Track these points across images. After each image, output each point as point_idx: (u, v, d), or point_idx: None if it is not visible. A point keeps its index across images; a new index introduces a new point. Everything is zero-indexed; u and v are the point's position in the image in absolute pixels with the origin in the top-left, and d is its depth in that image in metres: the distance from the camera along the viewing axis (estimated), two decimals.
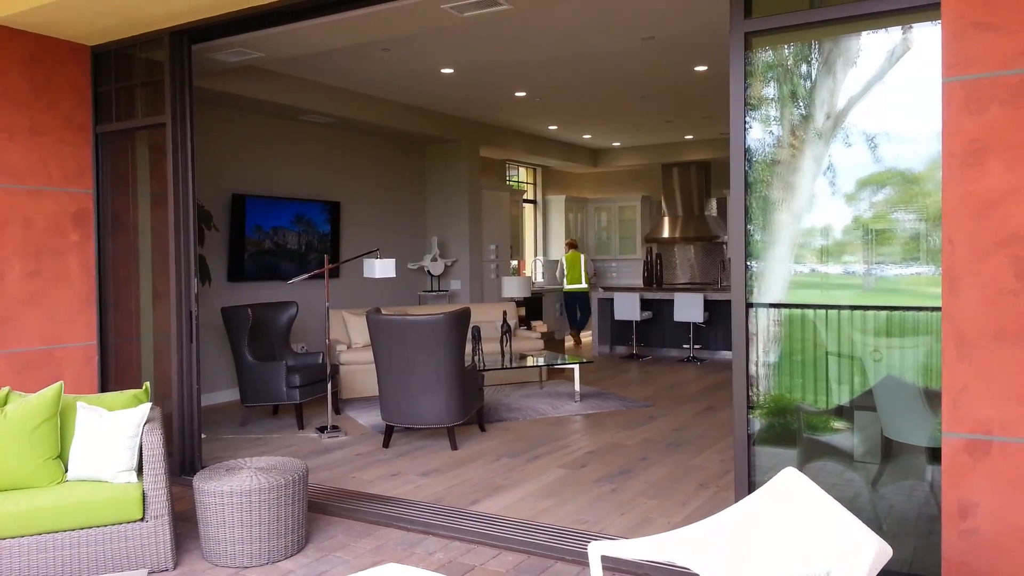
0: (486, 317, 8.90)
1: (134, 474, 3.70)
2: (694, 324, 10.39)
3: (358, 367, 7.62)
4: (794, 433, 3.57)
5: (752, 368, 3.52)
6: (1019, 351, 2.77)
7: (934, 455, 3.15)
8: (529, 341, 8.83)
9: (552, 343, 10.99)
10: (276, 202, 8.39)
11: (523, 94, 9.02)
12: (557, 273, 12.61)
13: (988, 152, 2.81)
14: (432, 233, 10.74)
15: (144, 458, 3.63)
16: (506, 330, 7.79)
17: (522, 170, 13.65)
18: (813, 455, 3.54)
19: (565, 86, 8.61)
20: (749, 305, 3.50)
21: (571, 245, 12.54)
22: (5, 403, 3.71)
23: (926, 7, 3.02)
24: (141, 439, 3.69)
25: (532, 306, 11.92)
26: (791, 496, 2.26)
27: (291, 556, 3.77)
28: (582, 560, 3.62)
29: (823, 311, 3.50)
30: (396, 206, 10.31)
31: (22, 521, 3.38)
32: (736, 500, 3.22)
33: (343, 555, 3.79)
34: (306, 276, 6.82)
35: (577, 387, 7.62)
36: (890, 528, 3.31)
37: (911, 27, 3.19)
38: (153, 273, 5.35)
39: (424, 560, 3.70)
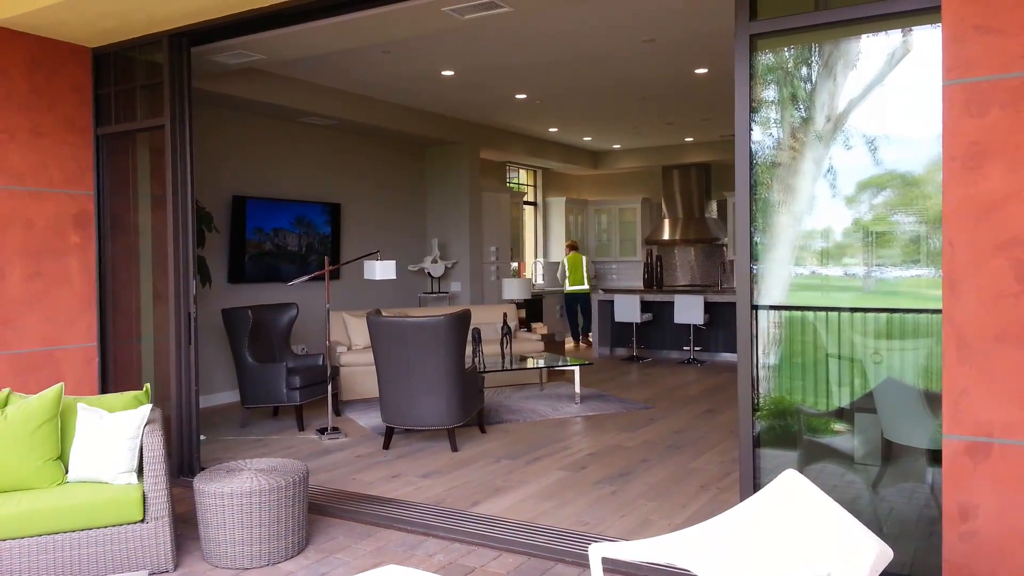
0: (486, 319, 8.91)
1: (134, 475, 3.70)
2: (694, 326, 10.39)
3: (358, 369, 7.62)
4: (794, 435, 3.57)
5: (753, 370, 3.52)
6: (1020, 353, 2.77)
7: (934, 457, 3.15)
8: (529, 343, 8.83)
9: (552, 345, 10.98)
10: (277, 204, 8.40)
11: (523, 96, 9.03)
12: (559, 275, 12.62)
13: (988, 155, 2.81)
14: (432, 235, 10.75)
15: (144, 459, 3.63)
16: (506, 332, 7.80)
17: (522, 172, 13.65)
18: (813, 457, 3.54)
19: (565, 88, 8.62)
20: (754, 307, 3.50)
21: (572, 247, 12.55)
22: (6, 404, 3.71)
23: (933, 9, 3.02)
24: (142, 440, 3.70)
25: (532, 308, 11.92)
26: (791, 498, 2.26)
27: (291, 557, 3.77)
28: (582, 562, 3.62)
29: (823, 313, 3.50)
30: (396, 208, 10.32)
31: (22, 522, 3.38)
32: (741, 501, 3.22)
33: (343, 556, 3.79)
34: (307, 278, 6.82)
35: (577, 389, 7.62)
36: (890, 530, 3.31)
37: (911, 30, 3.20)
38: (153, 274, 5.36)
39: (424, 562, 3.70)
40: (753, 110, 3.47)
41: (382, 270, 6.42)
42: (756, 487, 3.45)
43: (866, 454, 3.49)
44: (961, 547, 2.86)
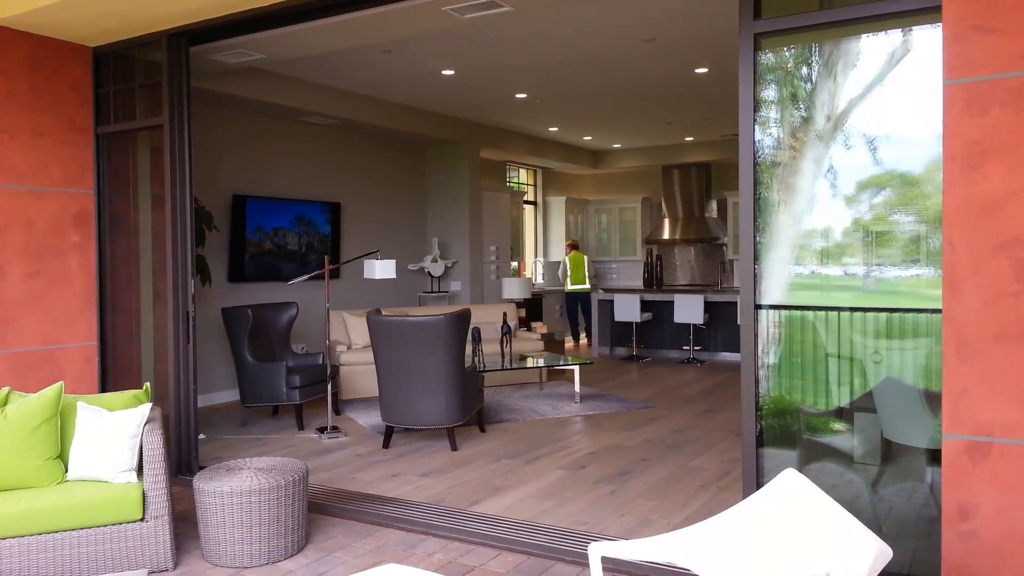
0: (486, 318, 8.91)
1: (134, 474, 3.70)
2: (694, 325, 10.39)
3: (358, 368, 7.62)
4: (794, 434, 3.57)
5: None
6: (1020, 353, 2.77)
7: (934, 457, 3.15)
8: (529, 342, 8.83)
9: (552, 344, 10.99)
10: (277, 203, 8.40)
11: (524, 96, 9.03)
12: (560, 274, 12.63)
13: (989, 155, 2.81)
14: (432, 234, 10.75)
15: (144, 458, 3.63)
16: (506, 331, 7.80)
17: (522, 171, 13.65)
18: (813, 456, 3.54)
19: (566, 88, 8.62)
20: (757, 306, 3.50)
21: (573, 246, 12.55)
22: (5, 403, 3.71)
23: (933, 9, 3.02)
24: (141, 439, 3.70)
25: (532, 307, 11.92)
26: (791, 497, 2.26)
27: (291, 556, 3.77)
28: (582, 561, 3.62)
29: (823, 313, 3.50)
30: (397, 207, 10.32)
31: (22, 521, 3.38)
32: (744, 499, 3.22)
33: (343, 555, 3.79)
34: (306, 277, 6.83)
35: (577, 388, 7.62)
36: (890, 529, 3.31)
37: (911, 30, 3.19)
38: (153, 274, 5.36)
39: (424, 561, 3.70)
40: (755, 109, 3.47)
41: (382, 269, 6.42)
42: (759, 486, 3.45)
43: (866, 453, 3.49)
44: (960, 547, 2.87)
